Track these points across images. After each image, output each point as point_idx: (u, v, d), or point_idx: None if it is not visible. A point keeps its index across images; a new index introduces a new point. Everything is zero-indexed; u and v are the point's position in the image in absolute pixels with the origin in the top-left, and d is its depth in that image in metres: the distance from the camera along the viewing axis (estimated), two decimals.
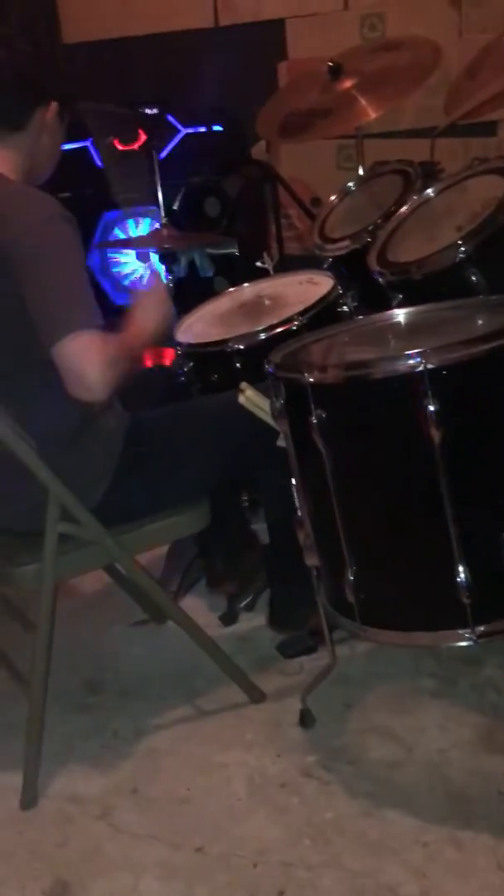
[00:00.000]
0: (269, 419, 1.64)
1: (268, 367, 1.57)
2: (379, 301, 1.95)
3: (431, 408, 1.36)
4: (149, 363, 3.08)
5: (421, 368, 1.36)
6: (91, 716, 1.90)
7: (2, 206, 1.56)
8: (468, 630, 1.45)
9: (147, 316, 1.71)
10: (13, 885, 1.50)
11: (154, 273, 1.93)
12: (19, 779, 1.67)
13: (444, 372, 1.37)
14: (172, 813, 1.60)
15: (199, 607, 2.18)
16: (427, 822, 1.50)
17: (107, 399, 1.56)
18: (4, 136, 1.63)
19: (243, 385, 1.72)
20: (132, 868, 1.50)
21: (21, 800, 1.66)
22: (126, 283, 3.38)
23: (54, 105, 1.67)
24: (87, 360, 1.49)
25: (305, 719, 1.75)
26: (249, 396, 1.71)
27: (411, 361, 1.37)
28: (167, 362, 2.76)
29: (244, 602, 2.17)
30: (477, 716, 1.71)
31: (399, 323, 1.68)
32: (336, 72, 2.42)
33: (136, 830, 1.58)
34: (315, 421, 1.46)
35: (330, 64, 2.42)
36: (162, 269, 2.73)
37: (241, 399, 1.71)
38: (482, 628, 1.45)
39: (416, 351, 1.37)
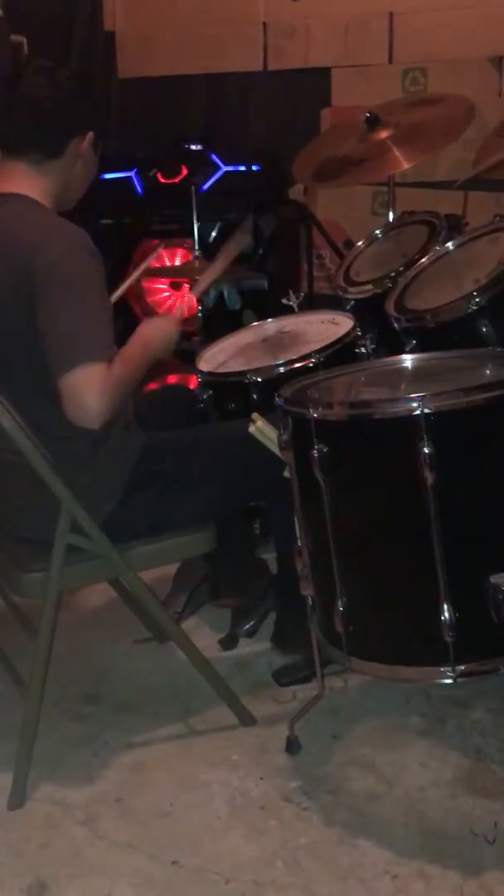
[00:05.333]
0: (276, 450, 1.70)
1: (277, 401, 1.63)
2: (395, 345, 2.01)
3: (426, 450, 1.41)
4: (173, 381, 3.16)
5: (418, 412, 1.42)
6: (86, 726, 1.95)
7: (32, 234, 1.63)
8: (449, 668, 1.48)
9: (152, 332, 1.79)
10: None
11: (183, 303, 2.00)
12: (9, 780, 1.73)
13: (441, 417, 1.42)
14: (153, 825, 1.65)
15: (201, 629, 2.23)
16: (398, 855, 1.53)
17: (104, 426, 1.62)
18: (41, 162, 1.71)
19: (255, 416, 1.78)
20: (109, 874, 1.55)
21: (9, 800, 1.72)
22: (158, 309, 3.49)
23: (90, 135, 1.75)
24: (88, 392, 1.57)
25: (292, 746, 1.79)
26: (260, 427, 1.77)
27: (410, 405, 1.43)
28: (190, 386, 2.84)
29: (246, 626, 2.22)
30: (460, 757, 1.74)
31: (406, 368, 1.74)
32: (373, 122, 2.50)
33: (117, 838, 1.62)
34: (316, 455, 1.52)
35: (367, 115, 2.50)
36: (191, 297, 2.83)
37: (252, 429, 1.78)
38: (463, 668, 1.49)
39: (415, 395, 1.43)
